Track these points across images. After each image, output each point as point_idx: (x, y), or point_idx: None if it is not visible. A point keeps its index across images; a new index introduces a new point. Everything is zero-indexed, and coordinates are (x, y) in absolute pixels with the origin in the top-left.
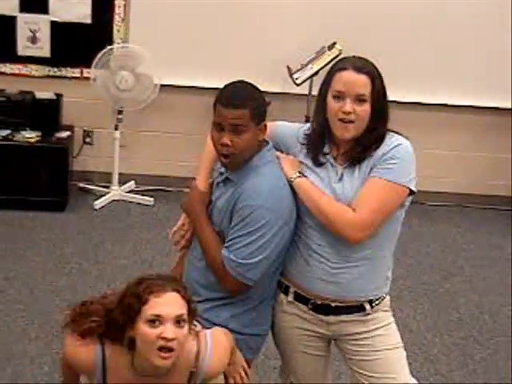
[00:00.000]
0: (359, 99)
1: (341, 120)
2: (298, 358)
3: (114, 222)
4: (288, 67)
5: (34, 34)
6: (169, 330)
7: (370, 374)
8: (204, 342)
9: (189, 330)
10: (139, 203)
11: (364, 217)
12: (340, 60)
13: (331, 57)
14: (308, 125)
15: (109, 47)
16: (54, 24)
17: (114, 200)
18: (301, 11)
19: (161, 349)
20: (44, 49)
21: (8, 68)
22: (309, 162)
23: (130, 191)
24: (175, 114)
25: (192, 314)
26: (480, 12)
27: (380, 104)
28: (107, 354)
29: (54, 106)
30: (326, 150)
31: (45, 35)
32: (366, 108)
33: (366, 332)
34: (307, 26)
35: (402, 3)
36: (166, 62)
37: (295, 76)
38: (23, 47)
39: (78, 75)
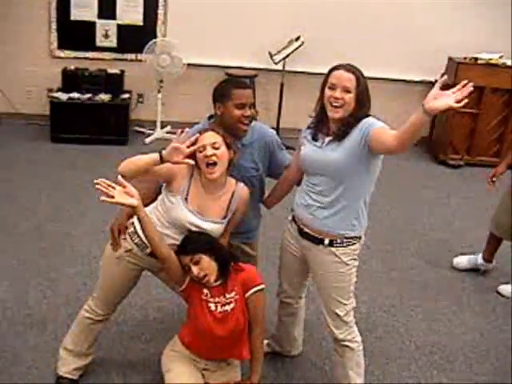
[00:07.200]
0: (346, 90)
1: (332, 105)
2: (285, 258)
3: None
4: (269, 52)
5: (106, 32)
6: (208, 150)
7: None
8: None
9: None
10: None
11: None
12: (336, 65)
13: (297, 45)
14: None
15: (153, 40)
16: (119, 26)
17: (158, 138)
18: (278, 14)
19: (207, 165)
20: (113, 41)
21: (90, 54)
22: (309, 137)
23: (167, 132)
24: (195, 82)
25: (229, 146)
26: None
27: (362, 96)
28: (193, 177)
29: (119, 78)
30: (324, 130)
31: (113, 33)
32: (351, 96)
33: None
34: (282, 25)
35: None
36: (190, 49)
37: (274, 58)
38: (100, 41)
39: (134, 58)
